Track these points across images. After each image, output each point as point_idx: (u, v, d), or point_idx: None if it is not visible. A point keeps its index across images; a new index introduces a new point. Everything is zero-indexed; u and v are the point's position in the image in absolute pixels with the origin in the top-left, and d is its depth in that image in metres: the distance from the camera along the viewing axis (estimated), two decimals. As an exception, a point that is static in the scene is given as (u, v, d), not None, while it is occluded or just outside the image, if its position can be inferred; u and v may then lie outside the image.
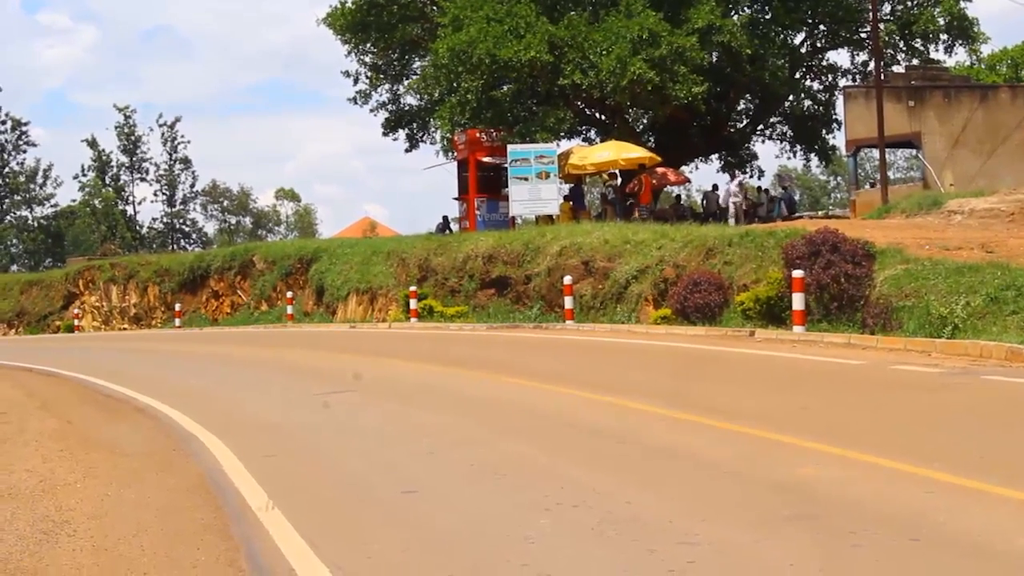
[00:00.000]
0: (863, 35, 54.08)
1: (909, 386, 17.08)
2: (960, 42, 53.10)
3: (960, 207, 37.12)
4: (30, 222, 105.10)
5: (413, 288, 38.22)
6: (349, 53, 55.82)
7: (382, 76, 56.64)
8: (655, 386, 18.62)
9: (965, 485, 10.15)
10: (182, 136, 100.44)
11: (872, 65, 51.21)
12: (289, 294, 45.75)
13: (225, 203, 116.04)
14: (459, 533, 9.88)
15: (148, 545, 10.19)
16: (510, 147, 42.79)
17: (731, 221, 42.15)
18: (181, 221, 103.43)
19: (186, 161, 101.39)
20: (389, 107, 57.43)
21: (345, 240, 55.02)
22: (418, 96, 55.37)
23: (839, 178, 54.39)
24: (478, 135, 45.35)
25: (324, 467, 13.44)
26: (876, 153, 53.21)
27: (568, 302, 32.28)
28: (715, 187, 49.73)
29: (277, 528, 10.28)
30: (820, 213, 58.14)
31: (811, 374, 19.37)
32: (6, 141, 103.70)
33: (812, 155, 59.58)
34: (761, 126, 58.31)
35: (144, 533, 10.62)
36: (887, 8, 53.13)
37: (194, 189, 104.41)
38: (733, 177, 46.81)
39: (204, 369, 28.06)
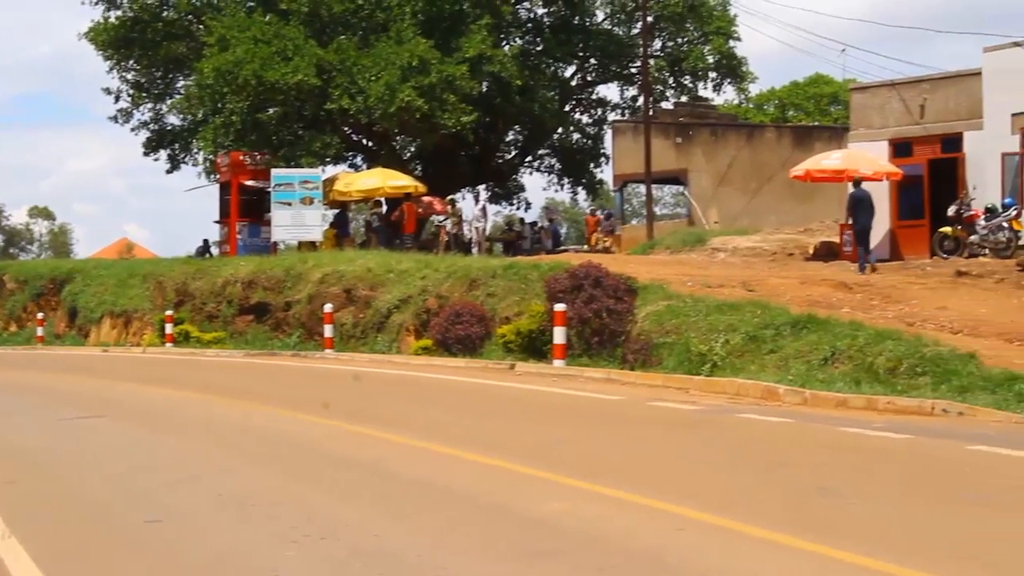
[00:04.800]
0: (633, 70, 54.76)
1: (665, 423, 17.16)
2: (729, 81, 54.12)
3: (724, 245, 37.74)
4: None
5: (169, 312, 37.50)
6: (111, 70, 54.47)
7: (145, 94, 55.46)
8: (412, 418, 18.42)
9: (715, 523, 10.15)
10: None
11: (641, 100, 51.88)
12: (40, 315, 44.48)
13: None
14: (204, 564, 9.62)
15: None
16: (274, 171, 42.39)
17: (475, 250, 42.26)
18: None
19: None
20: (151, 126, 56.20)
21: (101, 261, 53.88)
22: (181, 116, 54.44)
23: (606, 211, 54.92)
24: (242, 158, 44.73)
25: (67, 494, 13.04)
26: (643, 188, 53.93)
27: (328, 330, 31.89)
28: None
29: (13, 557, 9.92)
30: (585, 247, 58.62)
31: (569, 409, 19.34)
32: None
33: (579, 188, 59.95)
34: (529, 157, 58.53)
35: None
36: (658, 44, 53.90)
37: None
38: (477, 202, 46.94)
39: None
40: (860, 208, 31.81)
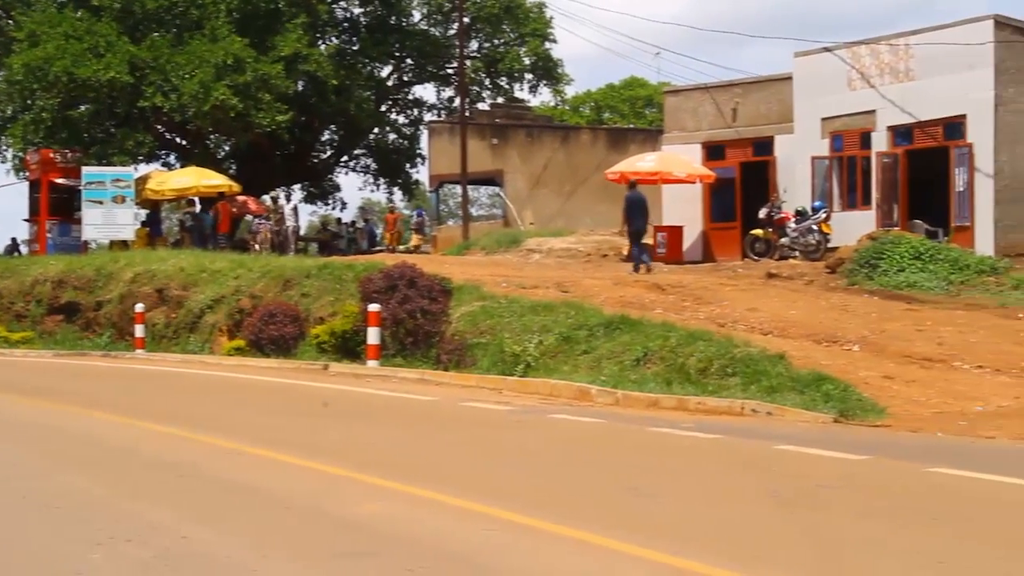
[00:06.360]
0: (450, 71, 54.93)
1: (478, 423, 17.20)
2: (545, 82, 54.53)
3: (539, 246, 37.97)
4: None
5: (-25, 312, 36.58)
6: (-86, 64, 53.00)
7: (-49, 90, 54.13)
8: (224, 419, 18.24)
9: (526, 523, 10.17)
10: None
11: (457, 101, 51.98)
12: None
13: None
14: (2, 569, 9.33)
15: None
16: (85, 169, 41.71)
17: (291, 251, 42.02)
18: None
19: None
20: (-42, 122, 54.86)
21: (-97, 260, 52.25)
22: (-11, 112, 53.18)
23: (418, 211, 55.47)
24: (52, 155, 43.94)
25: None
26: (459, 189, 54.05)
27: (139, 331, 31.40)
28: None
29: None
30: (401, 248, 58.49)
31: (382, 409, 19.31)
32: None
33: (396, 189, 59.84)
34: (345, 157, 58.35)
35: None
36: (474, 45, 54.13)
37: None
38: (289, 200, 46.77)
39: None
40: (634, 210, 31.75)
